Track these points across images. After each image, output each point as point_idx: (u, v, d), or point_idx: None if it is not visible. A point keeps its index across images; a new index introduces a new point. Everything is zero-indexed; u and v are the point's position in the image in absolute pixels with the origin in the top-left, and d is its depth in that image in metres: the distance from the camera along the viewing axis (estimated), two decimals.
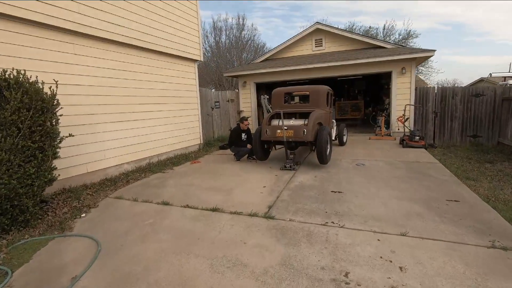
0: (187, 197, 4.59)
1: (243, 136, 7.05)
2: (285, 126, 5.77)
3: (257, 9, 44.27)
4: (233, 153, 7.16)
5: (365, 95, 15.98)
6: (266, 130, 6.07)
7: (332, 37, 10.89)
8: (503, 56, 59.78)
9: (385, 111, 10.64)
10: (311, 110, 6.18)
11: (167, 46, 7.24)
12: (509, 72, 19.56)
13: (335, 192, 4.55)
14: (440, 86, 9.65)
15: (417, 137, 7.84)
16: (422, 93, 9.42)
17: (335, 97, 10.95)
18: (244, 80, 11.69)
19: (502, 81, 18.62)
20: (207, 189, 5.00)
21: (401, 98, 9.52)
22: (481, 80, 23.39)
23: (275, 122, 6.42)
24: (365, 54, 9.75)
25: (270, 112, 11.64)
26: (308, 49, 11.37)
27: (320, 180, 5.25)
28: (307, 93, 6.47)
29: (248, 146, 6.90)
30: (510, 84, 14.39)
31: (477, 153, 7.85)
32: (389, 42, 9.91)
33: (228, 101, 11.33)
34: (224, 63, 24.18)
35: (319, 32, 10.99)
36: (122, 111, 6.07)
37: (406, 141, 7.87)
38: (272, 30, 47.90)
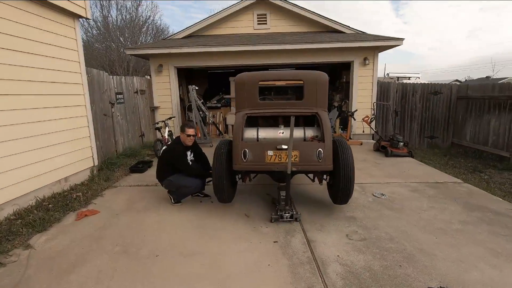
0: None
1: (189, 156, 3.84)
2: (284, 144, 2.98)
3: None
4: (167, 190, 3.87)
5: (296, 91, 14.49)
6: (245, 152, 3.14)
7: (280, 13, 8.46)
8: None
9: (338, 109, 9.08)
10: (311, 113, 3.58)
11: None
12: (414, 73, 22.08)
13: None
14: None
15: (401, 143, 6.36)
16: (383, 89, 8.20)
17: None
18: (159, 63, 8.04)
19: (396, 81, 20.74)
20: None
21: (363, 94, 8.03)
22: None
23: (250, 133, 3.53)
24: (325, 37, 7.78)
25: (203, 110, 8.31)
26: (247, 25, 8.61)
27: (366, 246, 2.77)
28: (300, 82, 3.78)
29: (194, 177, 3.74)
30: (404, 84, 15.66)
31: (450, 158, 7.01)
32: (348, 27, 8.23)
33: (137, 92, 7.51)
34: (115, 45, 18.72)
35: (263, 5, 8.34)
36: None
37: (390, 149, 6.29)
38: (170, 18, 42.93)
